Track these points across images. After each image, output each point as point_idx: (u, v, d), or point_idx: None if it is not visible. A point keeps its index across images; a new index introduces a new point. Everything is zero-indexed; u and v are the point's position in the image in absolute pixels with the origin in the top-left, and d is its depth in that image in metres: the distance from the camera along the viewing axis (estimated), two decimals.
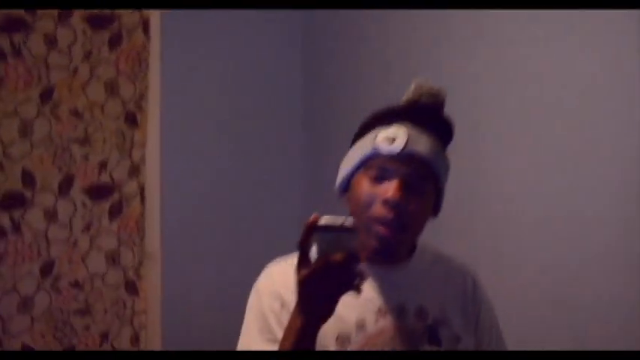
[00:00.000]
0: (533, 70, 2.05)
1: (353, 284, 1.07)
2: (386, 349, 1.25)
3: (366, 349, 1.25)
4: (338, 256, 1.03)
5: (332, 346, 1.25)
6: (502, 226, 2.15)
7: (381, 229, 1.22)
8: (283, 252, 3.05)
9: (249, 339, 1.28)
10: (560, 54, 1.96)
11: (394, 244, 1.24)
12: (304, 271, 1.05)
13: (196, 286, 3.00)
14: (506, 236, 2.12)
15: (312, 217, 1.06)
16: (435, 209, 1.32)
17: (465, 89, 2.20)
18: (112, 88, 2.82)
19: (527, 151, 2.07)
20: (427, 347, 1.26)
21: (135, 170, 2.85)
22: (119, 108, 2.83)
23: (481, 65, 2.21)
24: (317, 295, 1.07)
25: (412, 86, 1.31)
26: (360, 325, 1.26)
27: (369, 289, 1.28)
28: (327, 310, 1.10)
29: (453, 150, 1.36)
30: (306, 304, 1.09)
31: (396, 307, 1.28)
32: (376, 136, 1.27)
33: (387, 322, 1.27)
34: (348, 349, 1.25)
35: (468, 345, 1.30)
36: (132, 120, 2.85)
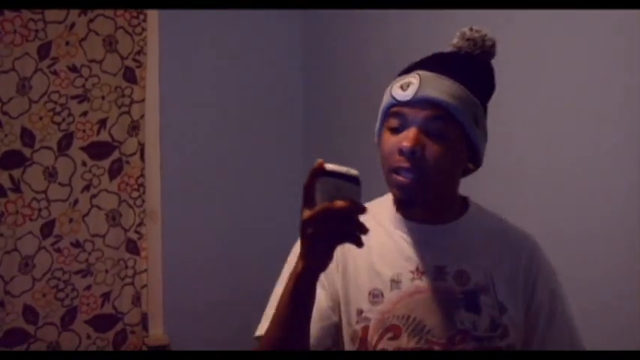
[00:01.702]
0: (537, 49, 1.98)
1: (353, 235, 1.00)
2: (419, 309, 1.21)
3: (398, 306, 1.22)
4: (340, 203, 0.98)
5: (364, 301, 1.23)
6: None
7: (399, 178, 1.19)
8: (283, 211, 3.02)
9: (281, 279, 1.28)
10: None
11: (415, 191, 1.20)
12: (306, 214, 1.01)
13: (197, 245, 2.98)
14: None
15: (318, 162, 1.01)
16: (473, 160, 1.26)
17: None
18: (110, 44, 2.74)
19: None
20: (464, 314, 1.20)
21: (134, 128, 2.79)
22: (118, 64, 2.76)
23: None
24: (315, 240, 1.02)
25: (457, 34, 1.28)
26: (396, 282, 1.24)
27: (410, 247, 1.26)
28: (324, 257, 1.04)
29: None
30: (305, 248, 1.04)
31: (434, 267, 1.24)
32: (393, 86, 1.25)
33: (423, 282, 1.23)
34: (380, 305, 1.22)
35: (515, 320, 1.22)
36: (131, 76, 2.78)
